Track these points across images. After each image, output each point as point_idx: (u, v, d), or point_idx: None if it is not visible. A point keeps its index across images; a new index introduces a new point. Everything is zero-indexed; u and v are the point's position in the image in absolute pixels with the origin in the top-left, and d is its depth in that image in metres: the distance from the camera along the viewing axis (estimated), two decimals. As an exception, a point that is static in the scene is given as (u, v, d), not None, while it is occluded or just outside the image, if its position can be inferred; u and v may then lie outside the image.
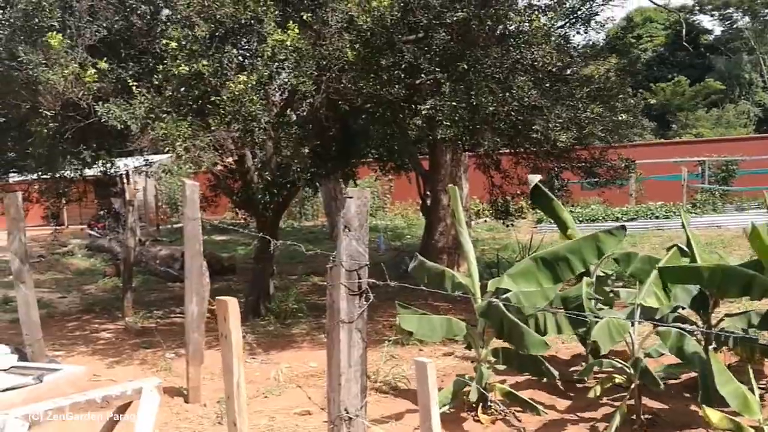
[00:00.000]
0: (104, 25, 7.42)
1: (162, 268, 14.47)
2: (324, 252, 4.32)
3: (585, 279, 6.15)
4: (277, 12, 7.33)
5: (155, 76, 7.19)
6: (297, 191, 11.20)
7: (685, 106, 41.49)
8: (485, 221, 21.82)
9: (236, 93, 7.07)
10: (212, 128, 7.26)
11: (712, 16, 47.87)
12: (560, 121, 7.86)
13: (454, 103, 7.36)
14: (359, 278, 2.88)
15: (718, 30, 48.58)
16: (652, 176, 23.71)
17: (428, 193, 13.89)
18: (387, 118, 9.58)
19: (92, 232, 20.97)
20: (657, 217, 20.32)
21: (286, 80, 7.73)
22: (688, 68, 43.32)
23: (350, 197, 2.84)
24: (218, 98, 7.14)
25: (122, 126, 7.14)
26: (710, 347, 5.47)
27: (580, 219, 19.74)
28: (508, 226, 12.87)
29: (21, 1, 6.67)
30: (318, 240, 20.24)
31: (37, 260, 16.25)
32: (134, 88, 7.16)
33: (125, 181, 19.00)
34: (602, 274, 6.71)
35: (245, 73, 7.14)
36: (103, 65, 6.96)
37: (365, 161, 14.00)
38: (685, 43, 27.05)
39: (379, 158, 13.71)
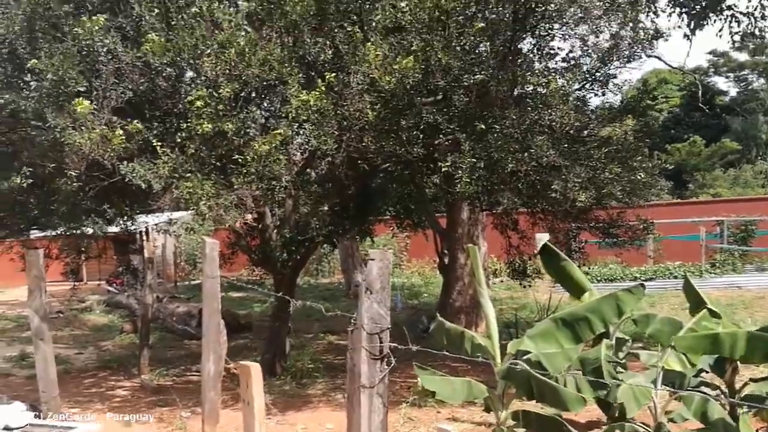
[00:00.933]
0: (130, 87, 7.61)
1: (179, 325, 14.45)
2: (343, 313, 4.30)
3: (604, 341, 6.05)
4: (300, 74, 7.50)
5: (179, 135, 7.33)
6: (315, 248, 11.24)
7: (701, 166, 41.46)
8: (502, 281, 21.69)
9: (260, 153, 7.19)
10: (235, 187, 7.36)
11: (727, 77, 48.26)
12: (579, 181, 7.88)
13: (474, 160, 7.42)
14: (381, 342, 2.85)
15: (733, 91, 48.90)
16: (670, 236, 23.55)
17: (445, 251, 13.86)
18: (405, 177, 9.66)
19: (111, 288, 21.06)
20: (675, 277, 20.08)
21: (308, 139, 7.83)
22: (704, 129, 43.43)
23: (372, 259, 2.84)
24: (241, 157, 7.25)
25: (146, 185, 7.27)
26: (741, 411, 5.32)
27: (598, 278, 19.59)
28: (525, 287, 12.79)
29: (50, 70, 6.86)
30: (335, 297, 20.18)
31: (55, 316, 16.28)
32: (158, 147, 7.29)
33: (145, 238, 19.17)
34: (621, 336, 6.60)
35: (269, 133, 7.27)
36: (135, 126, 7.13)
37: (382, 218, 14.05)
38: (701, 105, 27.08)
39: (397, 215, 13.77)
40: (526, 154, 7.73)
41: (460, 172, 7.47)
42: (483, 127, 7.67)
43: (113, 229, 10.76)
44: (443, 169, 7.52)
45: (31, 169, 8.51)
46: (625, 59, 8.62)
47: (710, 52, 46.61)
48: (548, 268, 6.72)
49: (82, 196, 8.17)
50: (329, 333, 13.92)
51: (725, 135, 43.50)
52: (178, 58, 7.28)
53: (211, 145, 7.47)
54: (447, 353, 5.36)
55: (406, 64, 7.10)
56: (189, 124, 7.17)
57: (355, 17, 7.69)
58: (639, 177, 8.69)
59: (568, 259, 6.81)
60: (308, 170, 9.53)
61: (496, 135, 7.64)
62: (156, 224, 15.51)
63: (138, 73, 7.56)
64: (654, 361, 5.76)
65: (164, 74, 7.63)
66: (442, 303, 13.83)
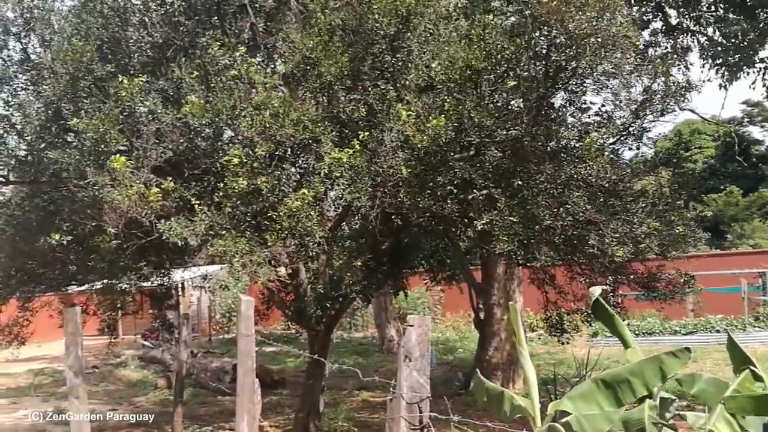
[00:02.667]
0: (169, 147, 7.78)
1: (213, 382, 14.41)
2: (380, 379, 4.23)
3: (647, 402, 5.86)
4: (334, 132, 7.60)
5: (216, 194, 7.44)
6: (349, 304, 11.18)
7: (739, 216, 40.74)
8: (540, 336, 21.34)
9: (293, 209, 7.26)
10: (269, 244, 7.41)
11: (762, 127, 47.78)
12: (616, 236, 7.77)
13: (512, 219, 7.38)
14: (420, 411, 2.78)
15: (769, 140, 48.38)
16: (711, 288, 23.02)
17: (481, 306, 13.72)
18: (439, 232, 9.62)
19: (146, 343, 21.17)
20: (717, 331, 19.55)
21: (341, 195, 7.89)
22: (741, 179, 42.84)
23: (411, 325, 2.79)
24: (275, 214, 7.32)
25: (182, 242, 7.35)
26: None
27: (637, 332, 19.16)
28: (563, 343, 12.54)
29: (91, 129, 7.07)
30: (368, 352, 20.01)
31: (90, 371, 16.37)
32: (196, 205, 7.40)
33: (180, 293, 19.31)
34: (665, 396, 6.40)
35: (302, 190, 7.35)
36: (169, 185, 7.26)
37: (416, 271, 13.99)
38: (737, 156, 26.81)
39: (430, 269, 13.67)
40: (562, 209, 7.67)
41: (496, 230, 7.43)
42: (519, 182, 7.65)
43: (149, 284, 10.89)
44: (479, 227, 7.49)
45: (70, 226, 8.70)
46: (658, 112, 8.56)
47: (744, 102, 46.32)
48: (601, 321, 6.65)
49: (120, 253, 8.29)
50: (363, 389, 13.76)
51: (762, 185, 42.83)
52: (217, 119, 7.44)
53: (246, 202, 7.57)
54: (488, 414, 5.23)
55: (438, 123, 7.16)
56: (225, 182, 7.29)
57: (388, 76, 7.80)
58: (677, 231, 8.53)
59: (614, 313, 6.69)
60: (341, 226, 9.57)
61: (532, 190, 7.61)
62: (191, 279, 15.63)
63: (178, 132, 7.74)
64: (702, 423, 5.55)
65: (203, 134, 7.80)
66: (478, 359, 13.62)
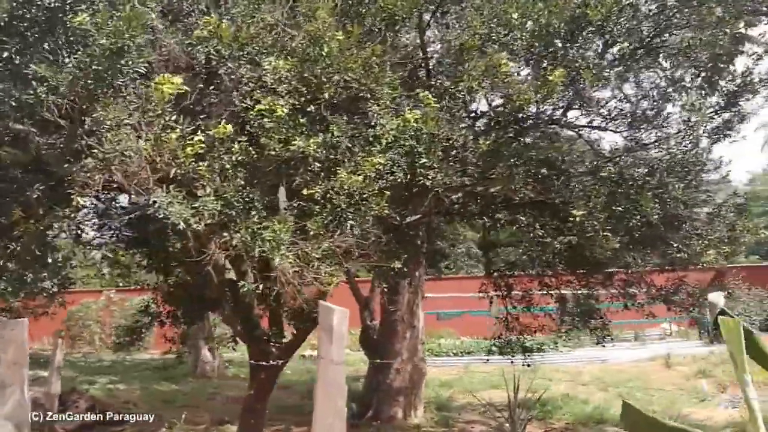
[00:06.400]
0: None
1: None
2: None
3: None
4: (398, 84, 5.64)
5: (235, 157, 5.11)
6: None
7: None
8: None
9: (351, 186, 5.18)
10: (311, 232, 5.22)
11: None
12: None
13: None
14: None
15: None
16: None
17: (369, 322, 11.87)
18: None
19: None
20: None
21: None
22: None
23: None
24: (331, 191, 5.18)
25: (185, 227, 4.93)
26: None
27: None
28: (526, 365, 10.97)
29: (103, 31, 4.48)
30: (176, 377, 16.61)
31: None
32: (205, 173, 5.02)
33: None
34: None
35: (367, 160, 5.29)
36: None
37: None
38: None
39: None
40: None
41: (596, 224, 5.83)
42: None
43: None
44: (577, 217, 5.84)
45: None
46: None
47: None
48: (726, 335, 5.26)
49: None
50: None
51: None
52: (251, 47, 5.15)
53: (283, 173, 5.36)
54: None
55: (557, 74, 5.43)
56: (260, 141, 5.05)
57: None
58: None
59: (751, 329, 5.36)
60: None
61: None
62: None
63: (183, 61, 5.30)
64: None
65: (227, 67, 5.38)
66: (372, 383, 11.62)
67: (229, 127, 4.78)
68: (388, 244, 6.10)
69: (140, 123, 4.42)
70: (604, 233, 5.51)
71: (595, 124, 6.68)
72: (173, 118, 4.49)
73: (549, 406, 11.31)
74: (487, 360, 12.59)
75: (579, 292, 8.68)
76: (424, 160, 5.43)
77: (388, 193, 5.24)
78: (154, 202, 4.85)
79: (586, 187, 5.78)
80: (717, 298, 5.51)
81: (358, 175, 5.19)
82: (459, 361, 18.63)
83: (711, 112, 6.65)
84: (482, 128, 5.98)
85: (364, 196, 5.20)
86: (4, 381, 4.50)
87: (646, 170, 6.22)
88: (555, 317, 9.02)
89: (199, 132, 4.62)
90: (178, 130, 4.45)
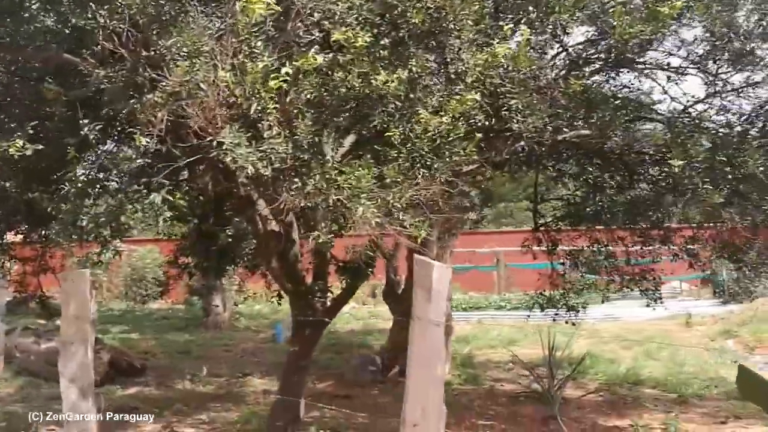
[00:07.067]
0: None
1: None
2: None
3: None
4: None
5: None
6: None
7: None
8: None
9: (434, 128, 4.62)
10: (386, 180, 4.69)
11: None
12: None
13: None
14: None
15: None
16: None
17: (393, 275, 11.45)
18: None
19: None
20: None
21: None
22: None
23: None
24: (413, 134, 4.62)
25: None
26: None
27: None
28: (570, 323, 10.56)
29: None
30: (189, 328, 16.62)
31: None
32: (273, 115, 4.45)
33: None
34: None
35: (451, 99, 4.72)
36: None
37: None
38: None
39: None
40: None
41: (695, 176, 5.31)
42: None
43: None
44: (675, 168, 5.29)
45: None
46: None
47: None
48: None
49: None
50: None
51: None
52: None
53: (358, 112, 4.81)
54: None
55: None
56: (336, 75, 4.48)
57: None
58: None
59: None
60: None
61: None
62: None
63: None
64: None
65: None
66: (395, 340, 11.06)
67: (320, 57, 4.19)
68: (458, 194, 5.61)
69: (218, 50, 3.84)
70: (704, 186, 5.03)
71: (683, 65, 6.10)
72: (258, 44, 3.92)
73: (581, 365, 11.04)
74: (528, 317, 12.08)
75: (632, 248, 8.23)
76: (514, 101, 4.90)
77: (480, 135, 4.71)
78: (220, 143, 4.31)
79: (682, 134, 5.26)
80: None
81: (443, 116, 4.66)
82: (469, 316, 18.44)
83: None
84: (573, 66, 5.43)
85: (450, 139, 4.68)
86: (68, 338, 4.04)
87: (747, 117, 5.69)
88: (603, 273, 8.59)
89: (286, 63, 4.03)
90: (265, 57, 3.87)
